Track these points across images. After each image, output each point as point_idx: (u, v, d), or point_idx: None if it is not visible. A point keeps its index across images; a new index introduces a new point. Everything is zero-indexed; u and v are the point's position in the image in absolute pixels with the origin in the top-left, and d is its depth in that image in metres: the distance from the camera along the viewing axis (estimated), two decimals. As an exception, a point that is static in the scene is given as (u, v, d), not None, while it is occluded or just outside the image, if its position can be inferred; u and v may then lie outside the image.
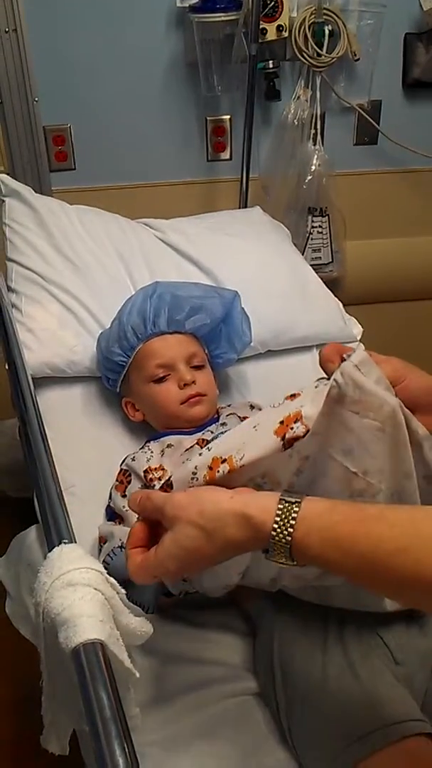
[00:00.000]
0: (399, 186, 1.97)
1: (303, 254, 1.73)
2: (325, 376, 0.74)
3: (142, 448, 1.16)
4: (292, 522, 0.62)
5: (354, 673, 0.82)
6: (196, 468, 0.73)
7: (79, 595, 0.65)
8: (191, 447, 1.12)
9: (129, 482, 1.10)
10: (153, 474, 1.07)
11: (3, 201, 1.44)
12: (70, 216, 1.46)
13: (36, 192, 1.50)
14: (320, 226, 1.88)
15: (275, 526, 0.62)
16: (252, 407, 1.23)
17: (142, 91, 1.75)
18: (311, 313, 1.46)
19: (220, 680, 0.92)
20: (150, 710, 0.87)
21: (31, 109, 1.72)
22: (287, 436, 0.69)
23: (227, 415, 1.18)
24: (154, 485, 1.05)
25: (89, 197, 1.66)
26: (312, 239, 1.88)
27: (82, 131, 1.77)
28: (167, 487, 0.76)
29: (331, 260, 1.92)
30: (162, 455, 1.12)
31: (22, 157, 1.77)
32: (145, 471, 1.08)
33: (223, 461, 0.71)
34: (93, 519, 1.11)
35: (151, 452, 1.12)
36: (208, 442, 1.11)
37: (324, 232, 1.88)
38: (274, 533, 0.62)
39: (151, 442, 1.16)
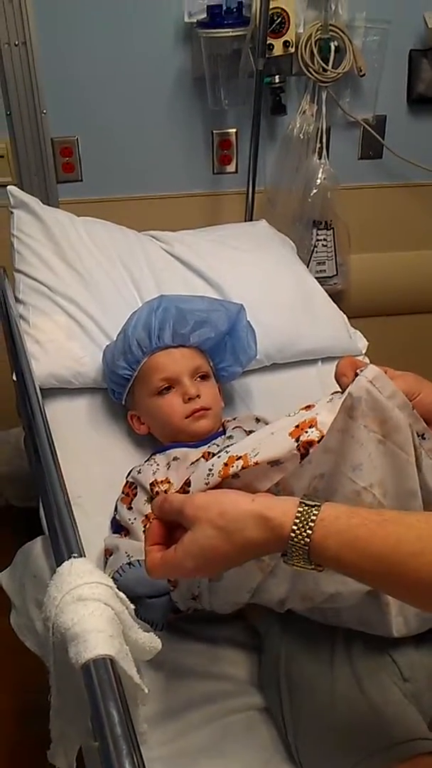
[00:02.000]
0: (403, 200, 1.98)
1: (307, 267, 1.74)
2: (339, 390, 0.75)
3: (148, 460, 1.16)
4: (311, 524, 0.62)
5: (361, 689, 0.82)
6: (212, 465, 0.74)
7: (90, 610, 0.65)
8: (197, 460, 1.12)
9: (135, 495, 1.10)
10: (159, 487, 1.07)
11: (11, 212, 1.45)
12: (77, 227, 1.46)
13: (43, 203, 1.51)
14: (325, 239, 1.89)
15: (294, 528, 0.63)
16: (257, 420, 1.24)
17: (149, 104, 1.77)
18: (317, 326, 1.47)
19: (227, 695, 0.92)
20: (156, 725, 0.86)
21: (39, 121, 1.73)
22: (302, 438, 0.70)
23: (233, 428, 1.19)
24: None
25: (95, 208, 1.67)
26: (317, 252, 1.89)
27: (90, 143, 1.79)
28: (185, 486, 0.76)
29: (335, 273, 1.93)
30: (168, 468, 1.12)
31: (30, 168, 1.78)
32: (152, 484, 1.08)
33: (238, 458, 0.72)
34: (99, 531, 1.10)
35: (158, 465, 1.12)
36: (214, 455, 1.12)
37: (328, 246, 1.90)
38: (293, 535, 0.63)
39: (157, 454, 1.17)
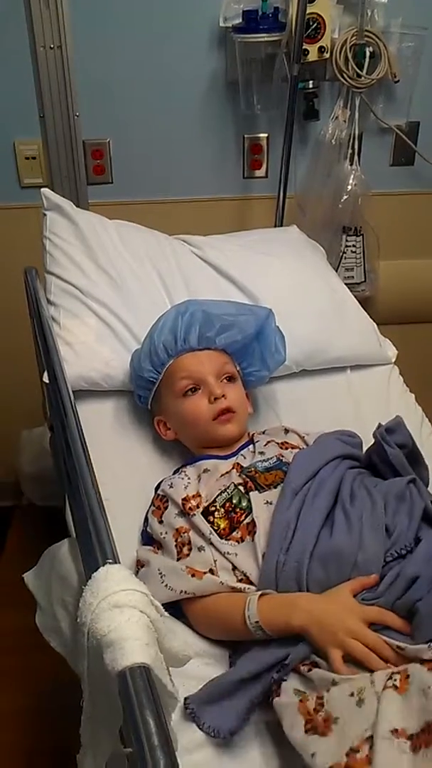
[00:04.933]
0: (434, 207, 1.97)
1: (336, 273, 1.73)
2: None
3: (179, 472, 1.16)
4: None
5: None
6: None
7: (126, 617, 0.65)
8: (228, 472, 1.12)
9: (166, 508, 1.09)
10: (191, 502, 1.07)
11: (44, 215, 1.46)
12: (109, 231, 1.47)
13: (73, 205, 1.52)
14: (354, 246, 1.88)
15: None
16: (286, 431, 1.22)
17: (181, 107, 1.77)
18: (347, 333, 1.46)
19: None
20: (181, 732, 0.86)
21: (72, 124, 1.74)
22: None
23: (265, 444, 1.16)
24: (193, 515, 1.05)
25: (124, 211, 1.67)
26: (345, 258, 1.88)
27: (121, 146, 1.80)
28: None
29: (363, 279, 1.91)
30: (199, 481, 1.12)
31: (61, 170, 1.79)
32: (184, 499, 1.08)
33: None
34: (125, 535, 1.10)
35: (189, 478, 1.12)
36: (243, 467, 1.12)
37: (358, 252, 1.89)
38: None
39: (188, 466, 1.16)
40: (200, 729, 0.85)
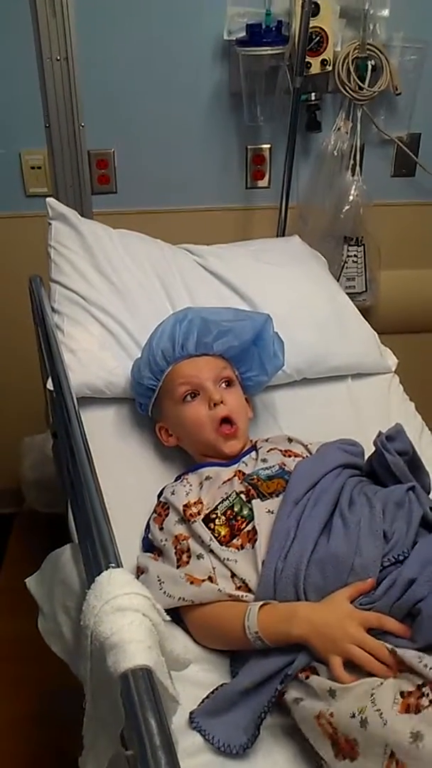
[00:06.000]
0: (435, 218, 1.98)
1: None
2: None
3: (180, 479, 1.17)
4: None
5: None
6: None
7: (128, 620, 0.65)
8: (230, 479, 1.12)
9: (167, 515, 1.10)
10: (192, 509, 1.08)
11: (50, 224, 1.48)
12: (113, 240, 1.48)
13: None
14: (355, 256, 1.89)
15: None
16: (290, 440, 1.23)
17: (185, 118, 1.79)
18: (348, 343, 1.47)
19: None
20: (183, 736, 0.87)
21: (77, 134, 1.76)
22: None
23: (268, 451, 1.17)
24: (194, 521, 1.06)
25: (128, 220, 1.69)
26: (347, 268, 1.90)
27: (125, 156, 1.81)
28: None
29: (365, 289, 1.93)
30: (201, 488, 1.12)
31: (66, 179, 1.81)
32: (185, 506, 1.08)
33: None
34: (126, 541, 1.10)
35: (190, 485, 1.13)
36: (245, 474, 1.12)
37: (359, 262, 1.90)
38: None
39: (190, 474, 1.17)
40: (210, 743, 0.86)
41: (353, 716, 0.78)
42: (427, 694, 0.76)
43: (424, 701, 0.76)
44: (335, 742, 0.80)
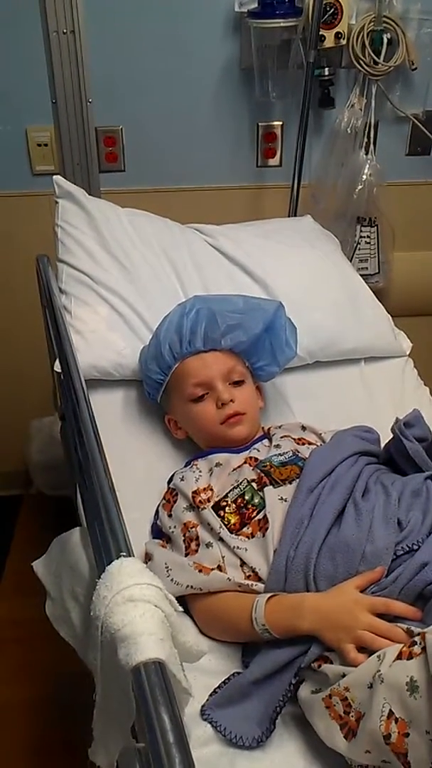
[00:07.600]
0: (450, 197, 1.94)
1: (350, 264, 1.71)
2: None
3: (190, 465, 1.15)
4: None
5: None
6: None
7: (140, 611, 0.64)
8: (240, 466, 1.10)
9: (176, 502, 1.09)
10: (201, 496, 1.06)
11: (56, 202, 1.44)
12: (121, 219, 1.45)
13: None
14: (368, 237, 1.85)
15: None
16: (304, 428, 1.21)
17: (195, 94, 1.75)
18: (361, 325, 1.44)
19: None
20: (194, 725, 0.86)
21: (84, 110, 1.72)
22: None
23: (281, 437, 1.15)
24: (203, 509, 1.04)
25: (137, 199, 1.66)
26: (359, 249, 1.86)
27: (133, 133, 1.78)
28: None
29: (377, 271, 1.89)
30: (210, 474, 1.10)
31: (73, 157, 1.78)
32: (194, 492, 1.07)
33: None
34: (135, 526, 1.08)
35: (200, 471, 1.11)
36: (257, 460, 1.10)
37: (372, 243, 1.86)
38: None
39: (199, 459, 1.15)
40: (222, 735, 0.84)
41: (370, 686, 0.76)
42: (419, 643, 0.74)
43: (416, 649, 0.74)
44: (344, 724, 0.78)
